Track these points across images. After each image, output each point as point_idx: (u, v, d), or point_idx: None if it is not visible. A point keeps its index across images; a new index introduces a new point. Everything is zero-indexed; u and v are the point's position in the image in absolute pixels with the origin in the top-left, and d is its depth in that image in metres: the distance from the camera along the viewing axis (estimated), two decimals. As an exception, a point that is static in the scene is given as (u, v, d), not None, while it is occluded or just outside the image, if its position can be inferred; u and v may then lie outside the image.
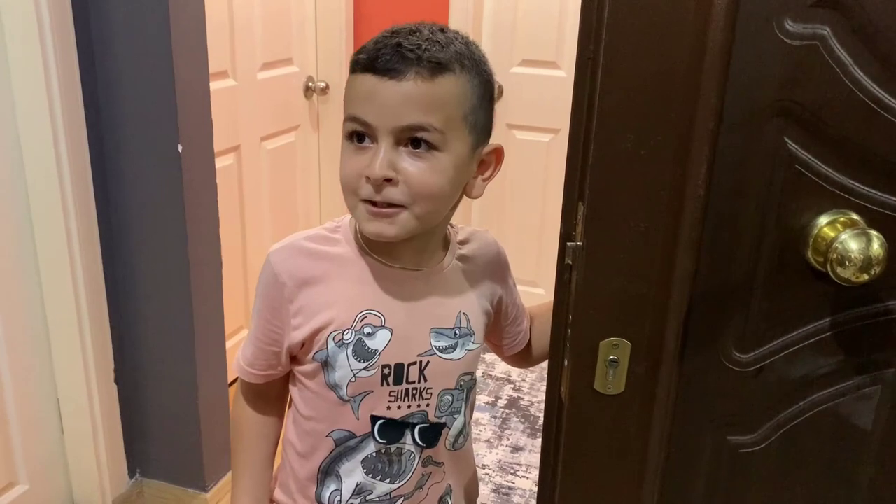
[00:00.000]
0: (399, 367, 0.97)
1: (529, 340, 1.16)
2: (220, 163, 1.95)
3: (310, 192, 3.05)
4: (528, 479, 2.25)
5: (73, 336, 1.80)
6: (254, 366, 1.04)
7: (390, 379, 0.97)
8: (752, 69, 0.62)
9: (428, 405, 1.00)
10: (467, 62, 0.89)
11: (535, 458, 2.33)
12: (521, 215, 3.05)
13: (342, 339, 0.96)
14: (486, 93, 0.93)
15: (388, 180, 0.87)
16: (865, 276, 0.63)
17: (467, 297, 1.03)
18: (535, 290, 3.00)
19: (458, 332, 1.01)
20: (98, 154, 1.76)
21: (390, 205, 0.88)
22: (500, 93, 2.95)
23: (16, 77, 1.62)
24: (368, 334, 0.96)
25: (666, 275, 0.64)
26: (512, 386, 2.73)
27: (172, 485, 2.02)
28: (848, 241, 0.63)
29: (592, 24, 0.61)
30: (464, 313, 1.02)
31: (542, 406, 2.58)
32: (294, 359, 1.01)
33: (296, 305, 0.97)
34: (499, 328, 1.12)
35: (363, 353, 0.96)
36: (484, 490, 2.19)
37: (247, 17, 2.45)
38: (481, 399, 2.63)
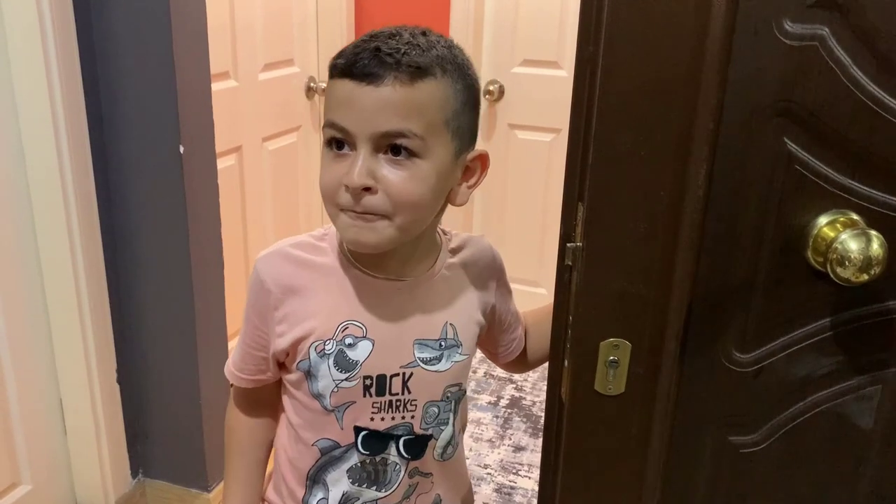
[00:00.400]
0: (381, 378, 0.96)
1: (525, 346, 1.15)
2: (221, 164, 1.95)
3: (312, 192, 3.05)
4: (530, 478, 2.25)
5: (75, 337, 1.80)
6: (243, 370, 1.04)
7: (372, 390, 0.96)
8: (752, 70, 0.62)
9: (413, 417, 0.99)
10: (449, 66, 0.87)
11: (538, 458, 2.32)
12: (522, 215, 3.05)
13: (324, 349, 0.95)
14: (470, 98, 0.90)
15: (368, 189, 0.85)
16: (865, 276, 0.63)
17: (456, 307, 1.01)
18: (537, 290, 3.00)
19: (443, 343, 0.99)
20: (100, 156, 1.76)
21: (371, 214, 0.86)
22: (501, 93, 2.95)
23: (18, 79, 1.62)
24: (350, 345, 0.95)
25: (666, 275, 0.63)
26: (514, 386, 2.73)
27: (175, 485, 2.02)
28: (848, 241, 0.63)
29: (592, 25, 0.61)
30: (450, 324, 1.00)
31: (544, 406, 2.58)
32: (282, 367, 1.01)
33: (280, 312, 0.97)
34: (493, 336, 1.11)
35: (344, 364, 0.95)
36: (486, 490, 2.19)
37: (248, 18, 2.45)
38: (483, 399, 2.64)
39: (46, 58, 1.58)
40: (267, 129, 2.65)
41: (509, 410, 2.59)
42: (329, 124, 0.87)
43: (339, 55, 0.87)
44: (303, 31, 2.82)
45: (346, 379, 0.95)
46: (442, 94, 0.86)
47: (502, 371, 2.80)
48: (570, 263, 0.68)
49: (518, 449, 2.39)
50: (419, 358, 0.97)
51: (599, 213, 0.63)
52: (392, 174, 0.85)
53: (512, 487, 2.22)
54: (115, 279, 1.86)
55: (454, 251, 1.03)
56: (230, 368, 1.06)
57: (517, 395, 2.68)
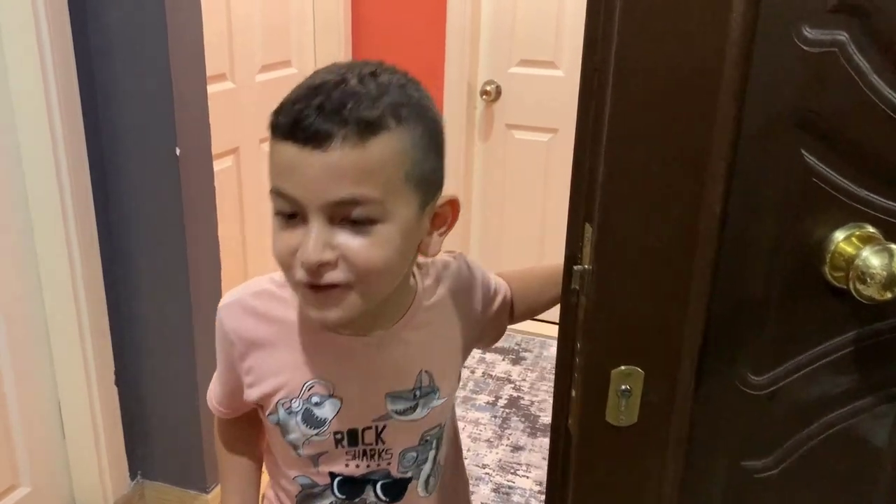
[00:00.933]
0: (352, 431, 0.91)
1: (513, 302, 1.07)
2: (219, 165, 1.92)
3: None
4: (528, 478, 2.21)
5: (73, 339, 1.78)
6: (222, 404, 1.01)
7: (344, 442, 0.91)
8: (770, 78, 0.56)
9: (389, 464, 0.93)
10: (405, 111, 0.75)
11: (536, 458, 2.30)
12: (521, 215, 3.01)
13: (290, 406, 0.90)
14: (432, 141, 0.79)
15: (326, 263, 0.75)
16: (889, 294, 0.58)
17: (432, 352, 0.94)
18: (535, 289, 2.95)
19: (418, 392, 0.92)
20: (97, 158, 1.73)
21: (333, 284, 0.76)
22: (498, 93, 2.91)
23: (14, 80, 1.59)
24: (316, 404, 0.89)
25: (681, 298, 0.58)
26: (512, 385, 2.69)
27: (174, 486, 2.00)
28: (870, 257, 0.59)
29: (599, 32, 0.55)
30: (425, 371, 0.92)
31: (543, 405, 2.55)
32: (259, 407, 0.96)
33: (246, 364, 0.91)
34: (481, 337, 1.05)
35: (312, 422, 0.90)
36: (484, 490, 2.16)
37: (245, 19, 2.41)
38: (481, 399, 2.59)
39: (42, 60, 1.56)
40: (264, 130, 2.57)
41: (507, 410, 2.54)
42: (275, 192, 0.76)
43: (279, 110, 0.76)
44: (300, 33, 2.78)
45: (315, 434, 0.90)
46: (399, 146, 0.75)
47: (500, 371, 2.76)
48: (576, 287, 0.62)
49: (516, 449, 2.35)
50: (392, 410, 0.91)
51: (610, 234, 0.58)
52: (351, 242, 0.75)
53: (510, 487, 2.18)
54: (113, 281, 1.84)
55: (429, 290, 0.94)
56: (212, 402, 1.02)
57: (515, 394, 2.63)
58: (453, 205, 0.85)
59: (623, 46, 0.53)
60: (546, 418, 2.48)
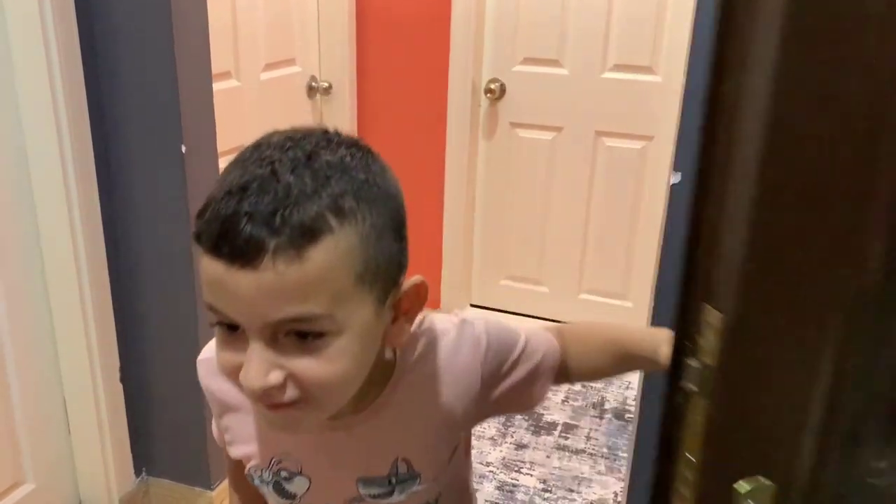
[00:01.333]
0: None
1: (566, 370, 0.89)
2: (224, 163, 1.82)
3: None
4: (531, 476, 2.12)
5: (78, 336, 1.72)
6: (218, 437, 0.92)
7: None
8: None
9: None
10: (348, 202, 0.60)
11: (539, 456, 2.20)
12: (523, 214, 2.88)
13: (261, 476, 0.81)
14: (388, 224, 0.64)
15: (273, 386, 0.62)
16: None
17: (411, 437, 0.79)
18: (538, 289, 2.85)
19: (393, 479, 0.79)
20: (102, 155, 1.68)
21: (286, 403, 0.64)
22: (503, 91, 2.79)
23: (20, 79, 1.56)
24: (286, 478, 0.80)
25: (830, 396, 0.44)
26: (513, 381, 2.58)
27: (178, 483, 1.94)
28: None
29: (731, 56, 0.40)
30: (403, 459, 0.78)
31: (546, 403, 2.44)
32: None
33: (223, 423, 0.85)
34: (497, 410, 0.89)
35: (283, 493, 0.81)
36: (488, 487, 2.06)
37: (250, 17, 2.31)
38: (484, 395, 2.50)
39: (48, 57, 1.52)
40: (269, 128, 2.47)
41: (510, 407, 2.44)
42: (209, 307, 0.62)
43: (202, 212, 0.60)
44: (304, 31, 2.66)
45: None
46: (345, 247, 0.60)
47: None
48: (691, 386, 0.48)
49: (520, 447, 2.25)
50: (365, 493, 0.79)
51: (749, 324, 0.43)
52: (300, 361, 0.61)
53: (514, 485, 2.08)
54: (118, 278, 1.78)
55: (413, 367, 0.79)
56: (214, 433, 0.94)
57: (517, 390, 2.53)
58: (419, 289, 0.71)
59: (784, 79, 0.37)
60: (549, 416, 2.38)
